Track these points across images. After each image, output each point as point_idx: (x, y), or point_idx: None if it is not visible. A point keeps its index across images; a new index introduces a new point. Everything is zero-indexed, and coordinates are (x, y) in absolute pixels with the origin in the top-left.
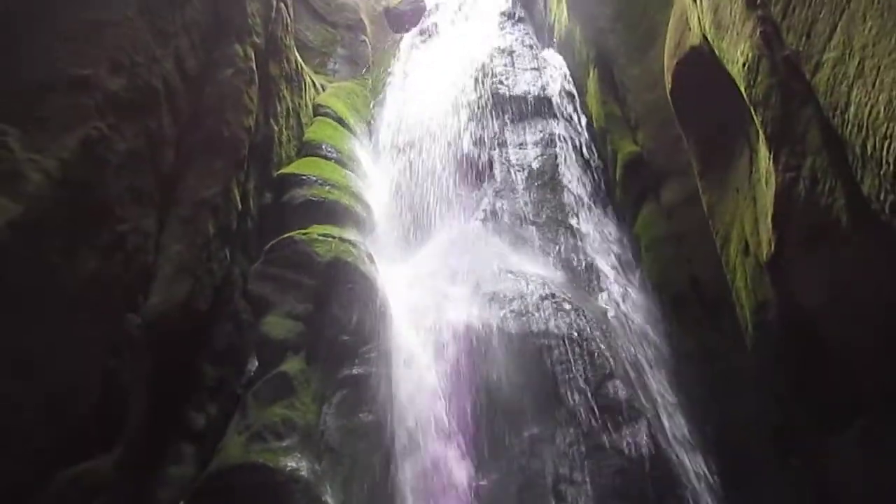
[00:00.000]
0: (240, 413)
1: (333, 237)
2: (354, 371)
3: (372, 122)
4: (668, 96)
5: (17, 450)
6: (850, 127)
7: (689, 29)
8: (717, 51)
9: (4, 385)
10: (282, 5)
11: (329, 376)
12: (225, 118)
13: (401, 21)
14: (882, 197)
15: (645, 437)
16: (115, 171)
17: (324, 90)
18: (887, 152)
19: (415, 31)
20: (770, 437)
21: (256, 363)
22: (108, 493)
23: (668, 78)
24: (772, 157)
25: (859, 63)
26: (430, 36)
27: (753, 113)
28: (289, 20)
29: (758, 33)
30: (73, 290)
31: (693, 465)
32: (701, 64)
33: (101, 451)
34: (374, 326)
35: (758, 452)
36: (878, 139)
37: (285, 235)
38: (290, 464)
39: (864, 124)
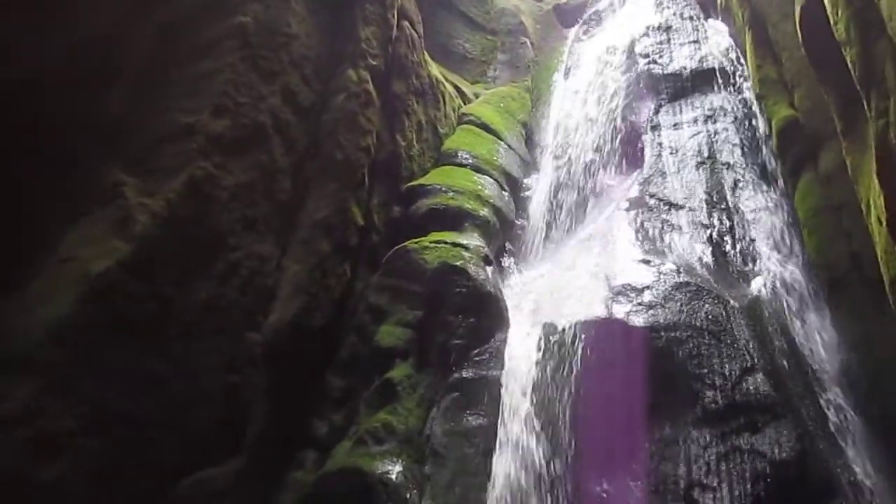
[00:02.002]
0: (355, 420)
1: (446, 243)
2: (465, 374)
3: (530, 122)
4: (802, 48)
5: (145, 459)
6: None
7: None
8: None
9: (132, 404)
10: (405, 23)
11: (438, 381)
12: (338, 141)
13: (571, 15)
14: None
15: (792, 438)
16: (225, 205)
17: (478, 98)
18: None
19: (579, 23)
20: None
21: None
22: (231, 496)
23: (798, 27)
24: (865, 102)
25: None
26: (591, 26)
27: (844, 53)
28: (415, 37)
29: None
30: (191, 316)
31: (850, 472)
32: (818, 6)
33: (224, 458)
34: (487, 329)
35: None
36: None
37: (399, 246)
38: (382, 467)
39: None
